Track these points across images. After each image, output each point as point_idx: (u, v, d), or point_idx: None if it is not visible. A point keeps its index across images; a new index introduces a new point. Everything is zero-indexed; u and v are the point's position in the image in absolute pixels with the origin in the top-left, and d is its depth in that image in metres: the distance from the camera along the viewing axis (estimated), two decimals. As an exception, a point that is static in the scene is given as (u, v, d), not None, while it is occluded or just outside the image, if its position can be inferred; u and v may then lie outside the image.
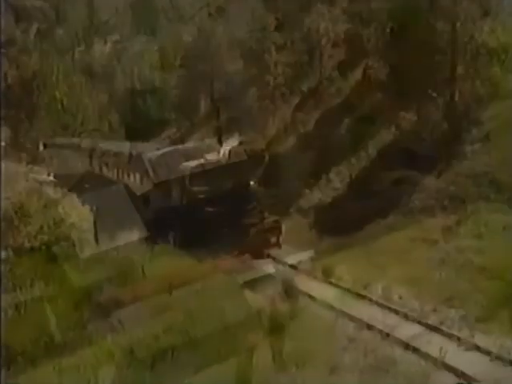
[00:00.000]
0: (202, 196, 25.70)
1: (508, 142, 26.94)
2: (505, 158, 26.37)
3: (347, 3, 42.29)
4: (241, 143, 30.29)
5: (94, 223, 30.69)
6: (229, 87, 58.22)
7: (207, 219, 24.30)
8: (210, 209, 24.74)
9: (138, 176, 32.16)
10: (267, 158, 26.21)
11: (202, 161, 27.34)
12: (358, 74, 40.01)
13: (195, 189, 26.13)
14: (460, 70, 29.62)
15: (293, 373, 11.52)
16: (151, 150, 33.14)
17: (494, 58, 29.08)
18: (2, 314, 8.35)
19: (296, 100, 45.80)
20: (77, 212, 30.74)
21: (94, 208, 32.86)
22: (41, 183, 41.29)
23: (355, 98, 38.00)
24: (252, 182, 25.00)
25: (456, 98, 29.84)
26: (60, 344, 16.61)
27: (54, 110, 66.44)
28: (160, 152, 31.35)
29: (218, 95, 58.93)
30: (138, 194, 31.39)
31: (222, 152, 27.49)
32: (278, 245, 24.49)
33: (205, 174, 26.30)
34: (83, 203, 33.08)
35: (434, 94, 30.45)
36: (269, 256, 23.63)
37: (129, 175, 33.66)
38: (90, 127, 71.66)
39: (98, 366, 13.13)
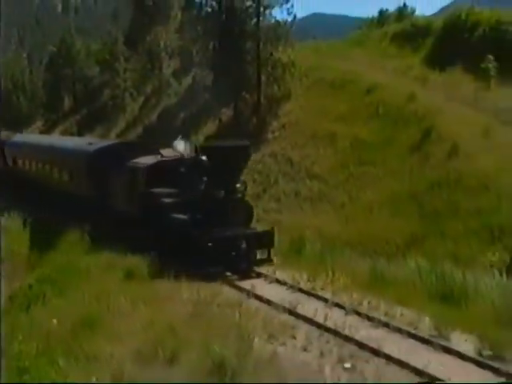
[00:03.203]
0: (167, 200, 15.76)
1: (297, 130, 28.29)
2: (296, 142, 27.67)
3: (179, 25, 42.34)
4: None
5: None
6: (87, 88, 56.35)
7: (177, 230, 15.01)
8: (181, 216, 15.05)
9: (66, 173, 22.83)
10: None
11: (158, 157, 17.73)
12: (189, 80, 40.12)
13: (155, 191, 16.30)
14: (263, 78, 30.58)
15: (141, 308, 11.59)
16: (82, 144, 24.04)
17: (286, 70, 30.30)
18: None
19: (142, 99, 45.15)
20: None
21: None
22: None
23: (188, 98, 38.19)
24: (238, 185, 15.37)
25: (261, 99, 30.76)
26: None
27: None
28: (99, 145, 21.87)
29: (78, 94, 56.81)
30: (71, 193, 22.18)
31: (182, 147, 17.18)
32: (268, 260, 15.07)
33: (168, 172, 16.38)
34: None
35: (246, 95, 31.21)
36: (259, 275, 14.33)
37: (55, 171, 24.30)
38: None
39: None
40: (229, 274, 14.14)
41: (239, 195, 15.48)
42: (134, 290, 12.65)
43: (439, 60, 30.08)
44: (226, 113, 32.59)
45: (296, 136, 27.87)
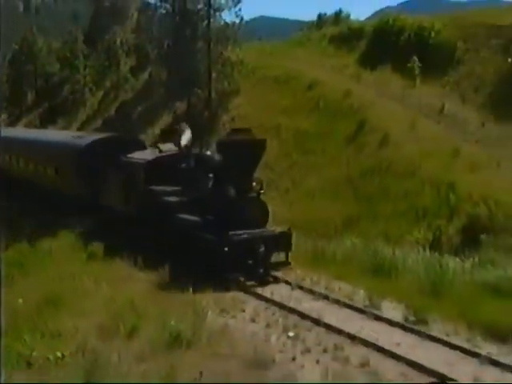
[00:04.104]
0: (172, 199, 13.15)
1: (246, 122, 28.05)
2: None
3: (135, 25, 41.44)
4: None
5: None
6: (49, 84, 54.49)
7: (185, 231, 12.37)
8: (190, 217, 12.47)
9: (53, 169, 19.54)
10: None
11: (157, 152, 14.87)
12: (145, 76, 39.40)
13: (156, 189, 13.65)
14: (214, 75, 30.36)
15: (103, 287, 11.39)
16: (69, 138, 20.56)
17: (235, 68, 30.22)
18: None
19: (101, 94, 44.03)
20: None
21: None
22: None
23: (145, 93, 37.52)
24: (254, 183, 12.75)
25: (212, 94, 30.57)
26: None
27: None
28: (90, 139, 18.68)
29: (40, 90, 54.94)
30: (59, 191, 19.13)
31: (184, 141, 14.52)
32: (286, 263, 12.45)
33: (168, 169, 13.65)
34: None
35: (199, 91, 30.94)
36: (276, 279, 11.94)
37: (40, 167, 20.77)
38: None
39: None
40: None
41: (255, 194, 12.74)
42: (96, 271, 12.44)
43: (371, 60, 30.64)
44: (180, 107, 32.20)
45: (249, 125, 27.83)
